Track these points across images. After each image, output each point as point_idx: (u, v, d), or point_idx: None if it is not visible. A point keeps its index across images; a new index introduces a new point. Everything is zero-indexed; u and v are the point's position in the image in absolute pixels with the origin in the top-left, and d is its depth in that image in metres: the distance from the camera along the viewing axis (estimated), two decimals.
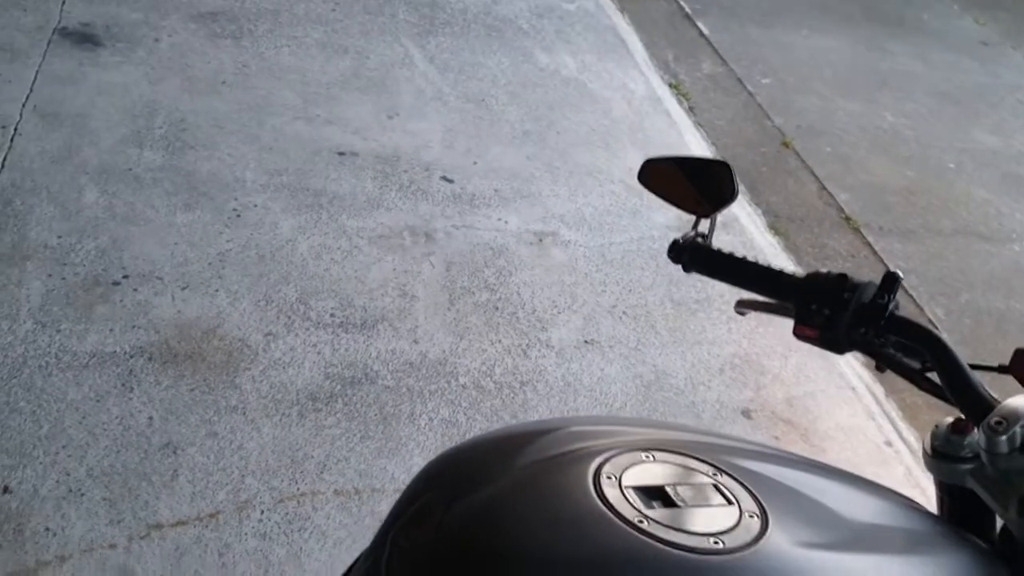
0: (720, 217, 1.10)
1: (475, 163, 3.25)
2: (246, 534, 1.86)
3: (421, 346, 2.44)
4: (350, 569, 0.71)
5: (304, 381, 2.25)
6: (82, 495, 1.87)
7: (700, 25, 5.01)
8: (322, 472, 2.03)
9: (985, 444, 0.78)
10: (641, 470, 0.66)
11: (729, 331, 2.69)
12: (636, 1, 4.96)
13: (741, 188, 3.97)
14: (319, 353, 2.34)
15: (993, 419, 0.77)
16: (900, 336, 0.89)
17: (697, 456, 0.69)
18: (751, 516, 0.63)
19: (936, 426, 0.88)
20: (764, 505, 0.65)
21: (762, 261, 1.03)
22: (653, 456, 0.68)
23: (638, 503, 0.63)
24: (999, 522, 0.82)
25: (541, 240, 2.95)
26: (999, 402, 0.79)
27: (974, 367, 0.86)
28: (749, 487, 0.66)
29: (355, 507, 1.97)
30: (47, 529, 1.79)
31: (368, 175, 3.06)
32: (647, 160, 1.11)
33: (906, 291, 3.15)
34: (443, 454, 0.74)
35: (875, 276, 1.00)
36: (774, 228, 3.34)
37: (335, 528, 1.92)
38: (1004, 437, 0.76)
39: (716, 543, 0.60)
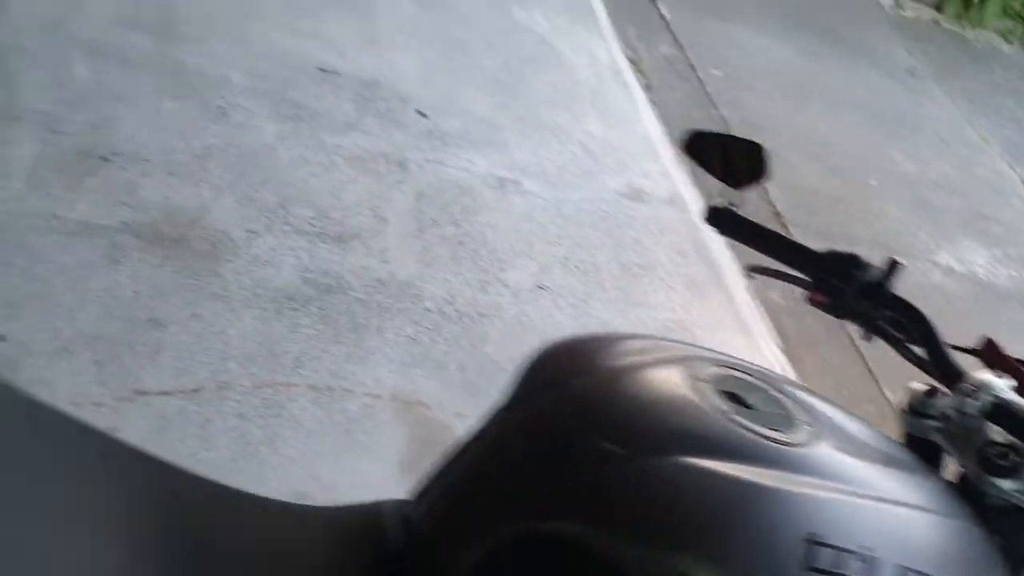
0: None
1: (449, 102, 3.38)
2: (226, 412, 1.99)
3: (391, 267, 2.59)
4: (464, 449, 0.86)
5: (282, 281, 2.37)
6: (72, 354, 1.96)
7: (661, 8, 5.23)
8: (297, 367, 2.17)
9: (959, 405, 1.00)
10: (718, 375, 0.86)
11: (668, 298, 2.94)
12: None
13: (700, 178, 4.11)
14: (297, 257, 2.46)
15: (967, 385, 1.00)
16: (893, 311, 1.12)
17: (751, 372, 0.90)
18: (803, 422, 0.84)
19: (911, 391, 1.11)
20: (811, 414, 0.86)
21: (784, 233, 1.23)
22: (726, 367, 0.88)
23: (721, 399, 0.83)
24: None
25: (504, 186, 3.12)
26: (967, 372, 1.02)
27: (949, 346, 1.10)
28: (797, 399, 0.87)
29: (326, 402, 2.12)
30: (38, 379, 1.88)
31: (347, 96, 3.16)
32: (694, 131, 1.29)
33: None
34: (552, 347, 0.91)
35: None
36: None
37: (308, 419, 2.07)
38: (975, 401, 0.99)
39: (786, 438, 0.81)
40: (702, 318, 2.94)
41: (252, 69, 3.03)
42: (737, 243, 1.26)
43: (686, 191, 3.55)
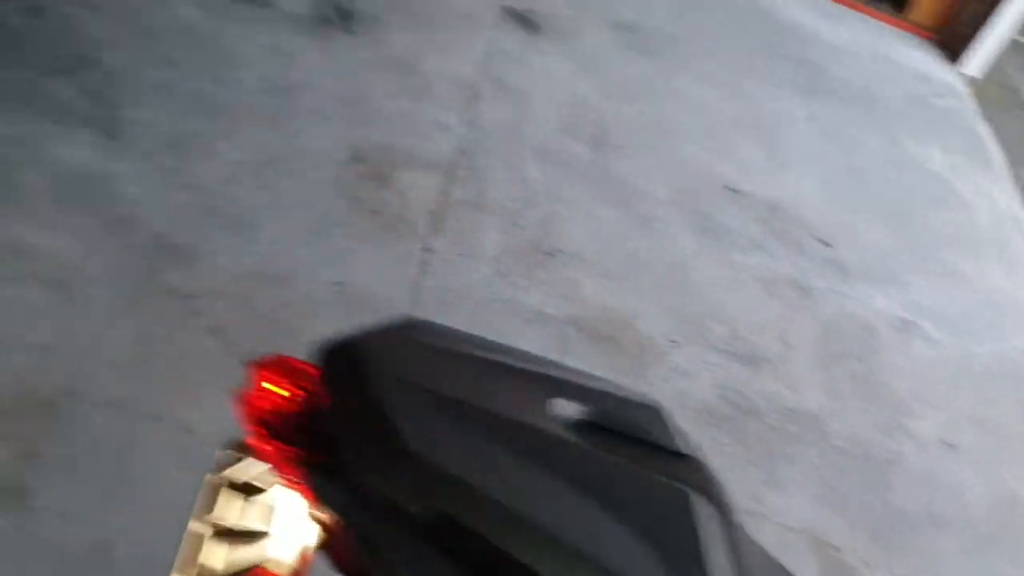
0: None
1: (848, 232, 3.37)
2: None
3: (798, 395, 2.60)
4: None
5: (701, 394, 2.46)
6: None
7: None
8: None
9: None
10: None
11: None
12: (998, 111, 4.91)
13: None
14: (713, 373, 2.54)
15: None
16: None
17: None
18: None
19: None
20: None
21: None
22: None
23: None
24: None
25: (907, 328, 3.04)
26: None
27: None
28: None
29: (745, 524, 2.15)
30: None
31: (753, 216, 3.24)
32: None
33: None
34: None
35: None
36: None
37: None
38: None
39: None
40: None
41: (670, 182, 3.21)
42: None
43: None
